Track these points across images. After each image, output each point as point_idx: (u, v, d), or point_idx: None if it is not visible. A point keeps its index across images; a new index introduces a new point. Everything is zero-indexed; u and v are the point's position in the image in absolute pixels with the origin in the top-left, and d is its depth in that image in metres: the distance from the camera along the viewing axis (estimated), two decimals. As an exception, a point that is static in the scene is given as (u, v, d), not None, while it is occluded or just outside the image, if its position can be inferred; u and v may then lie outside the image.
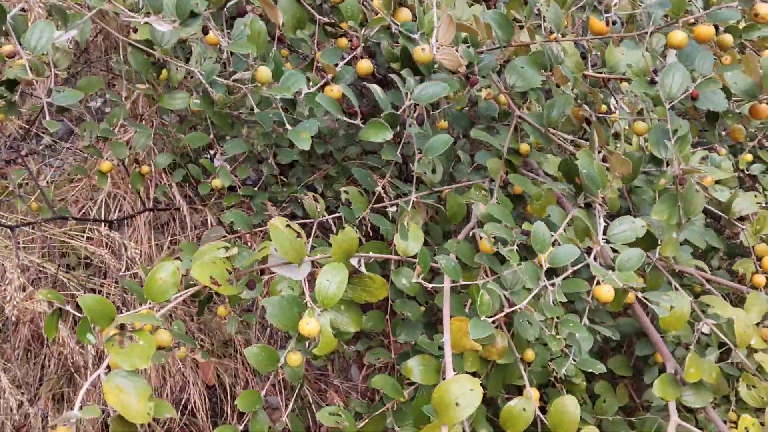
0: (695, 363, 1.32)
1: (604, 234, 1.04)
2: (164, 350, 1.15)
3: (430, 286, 1.00)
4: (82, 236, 1.91)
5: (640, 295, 0.93)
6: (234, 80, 1.04)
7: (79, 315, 0.93)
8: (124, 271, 1.63)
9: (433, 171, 1.44)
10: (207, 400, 2.20)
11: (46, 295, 0.95)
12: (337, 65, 1.05)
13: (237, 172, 1.60)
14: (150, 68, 1.11)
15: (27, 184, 2.23)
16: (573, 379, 1.47)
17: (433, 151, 1.04)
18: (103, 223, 1.69)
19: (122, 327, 0.81)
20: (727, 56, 1.43)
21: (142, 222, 2.06)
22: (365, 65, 1.05)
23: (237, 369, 2.18)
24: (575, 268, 0.97)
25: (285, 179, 2.19)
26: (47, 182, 2.23)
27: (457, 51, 0.95)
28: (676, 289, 1.39)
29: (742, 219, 1.43)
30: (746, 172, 1.90)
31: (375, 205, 1.50)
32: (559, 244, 0.95)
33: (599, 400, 1.68)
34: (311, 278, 1.19)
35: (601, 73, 1.36)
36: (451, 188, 1.45)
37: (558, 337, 1.01)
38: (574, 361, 1.26)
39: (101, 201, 2.12)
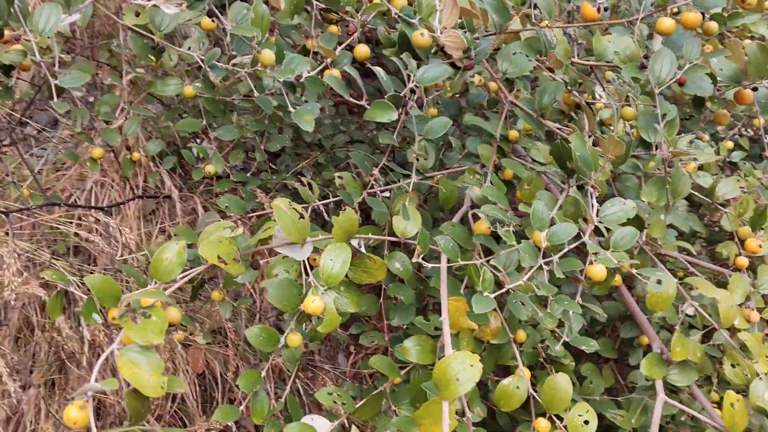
0: (681, 342, 1.36)
1: (596, 216, 1.07)
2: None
3: (429, 266, 1.02)
4: (71, 223, 1.91)
5: (634, 271, 0.96)
6: (233, 65, 1.05)
7: (76, 299, 0.94)
8: (120, 257, 1.63)
9: (426, 157, 1.47)
10: (197, 387, 2.21)
11: (52, 275, 0.96)
12: (335, 50, 1.06)
13: (229, 158, 1.61)
14: (149, 52, 1.12)
15: (13, 173, 2.22)
16: (562, 360, 1.51)
17: (433, 133, 1.07)
18: (96, 210, 1.69)
19: (129, 306, 0.83)
20: (708, 45, 1.48)
21: (131, 211, 2.06)
22: (363, 50, 1.07)
23: (227, 356, 2.19)
24: (572, 246, 1.00)
25: (274, 167, 2.20)
26: (37, 171, 2.22)
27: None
28: (663, 271, 1.43)
29: (724, 204, 1.48)
30: (727, 160, 1.95)
31: (368, 191, 1.52)
32: (556, 223, 0.98)
33: (586, 381, 1.72)
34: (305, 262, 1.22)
35: (588, 61, 1.40)
36: (442, 173, 1.48)
37: (553, 314, 1.04)
38: (567, 339, 1.29)
39: (89, 189, 2.12)
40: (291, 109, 0.99)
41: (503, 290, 1.03)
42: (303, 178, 1.50)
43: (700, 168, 1.69)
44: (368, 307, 1.53)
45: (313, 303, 0.94)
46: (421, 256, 1.02)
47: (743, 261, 1.43)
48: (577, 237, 1.14)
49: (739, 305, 1.44)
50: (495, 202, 1.10)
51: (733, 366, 1.33)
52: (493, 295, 0.94)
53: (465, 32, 1.02)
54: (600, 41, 1.30)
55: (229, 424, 1.36)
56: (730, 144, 1.93)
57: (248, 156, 2.27)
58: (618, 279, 1.56)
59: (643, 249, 1.46)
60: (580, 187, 1.11)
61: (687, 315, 1.52)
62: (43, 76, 2.06)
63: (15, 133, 2.04)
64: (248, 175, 1.70)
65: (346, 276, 1.13)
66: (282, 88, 0.99)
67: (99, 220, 1.72)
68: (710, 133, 2.05)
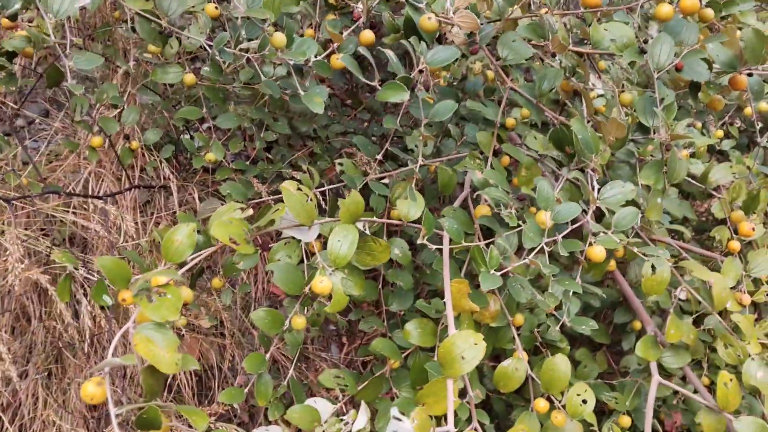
0: (675, 324, 1.39)
1: (598, 197, 1.10)
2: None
3: (434, 247, 1.04)
4: (68, 212, 1.91)
5: (636, 250, 0.98)
6: (240, 49, 1.06)
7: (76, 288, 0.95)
8: (122, 243, 1.64)
9: (425, 144, 1.49)
10: (193, 377, 2.22)
11: (61, 258, 0.97)
12: (343, 35, 1.08)
13: (230, 147, 1.62)
14: (157, 37, 1.13)
15: (6, 164, 2.21)
16: (558, 344, 1.54)
17: (440, 116, 1.08)
18: (96, 198, 1.69)
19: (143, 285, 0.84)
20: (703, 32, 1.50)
21: (127, 201, 2.06)
22: (368, 35, 1.09)
23: (223, 346, 2.20)
24: (571, 228, 1.02)
25: (269, 157, 2.21)
26: (29, 161, 2.21)
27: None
28: (657, 255, 1.46)
29: (716, 189, 1.51)
30: (717, 148, 1.99)
31: (367, 178, 1.54)
32: (560, 203, 1.00)
33: (580, 365, 1.75)
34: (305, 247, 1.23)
35: (583, 49, 1.42)
36: (441, 161, 1.50)
37: (553, 296, 1.06)
38: (566, 321, 1.32)
39: (84, 179, 2.12)
40: (301, 92, 1.00)
41: (504, 270, 1.05)
42: (304, 166, 1.52)
43: (692, 155, 1.73)
44: (368, 293, 1.55)
45: (321, 283, 0.96)
46: (426, 238, 1.04)
47: (735, 245, 1.46)
48: (576, 220, 1.16)
49: (732, 288, 1.47)
50: (497, 185, 1.12)
51: (726, 347, 1.36)
52: (500, 273, 0.96)
53: (471, 17, 1.04)
54: (597, 30, 1.32)
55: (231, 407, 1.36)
56: (720, 133, 1.97)
57: (244, 146, 2.28)
58: (612, 264, 1.59)
59: (638, 233, 1.49)
60: (580, 171, 1.13)
61: (680, 300, 1.55)
62: (42, 63, 2.05)
63: (9, 124, 2.03)
64: (247, 163, 1.71)
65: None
66: (291, 71, 1.00)
67: (96, 208, 1.72)
68: (701, 121, 2.09)
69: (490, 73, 1.58)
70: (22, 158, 2.26)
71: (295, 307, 1.17)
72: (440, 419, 1.13)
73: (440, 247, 1.06)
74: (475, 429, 1.11)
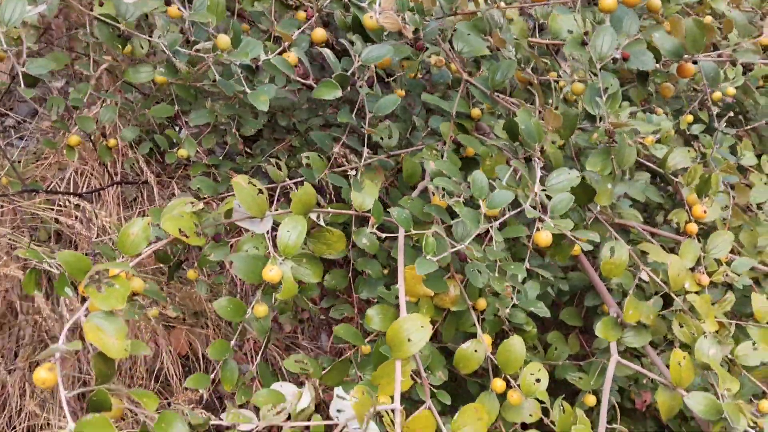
0: (633, 305, 1.43)
1: (543, 184, 1.14)
2: (137, 305, 1.23)
3: (383, 235, 1.08)
4: (52, 210, 1.96)
5: (568, 233, 1.02)
6: (196, 50, 1.10)
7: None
8: (96, 238, 1.69)
9: (390, 136, 1.53)
10: (180, 367, 2.27)
11: (25, 253, 1.02)
12: (292, 34, 1.12)
13: (203, 143, 1.66)
14: (115, 41, 1.17)
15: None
16: (524, 327, 1.58)
17: (383, 110, 1.12)
18: (73, 196, 1.74)
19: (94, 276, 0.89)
20: (666, 23, 1.54)
21: (110, 197, 2.11)
22: (320, 33, 1.13)
23: (208, 336, 2.26)
24: (513, 212, 1.06)
25: (249, 151, 2.25)
26: (16, 161, 2.27)
27: (404, 17, 1.03)
28: (616, 239, 1.50)
29: (675, 173, 1.54)
30: (688, 132, 2.02)
31: (335, 170, 1.58)
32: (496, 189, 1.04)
33: (551, 348, 1.79)
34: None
35: (545, 39, 1.46)
36: (407, 152, 1.54)
37: (506, 285, 1.11)
38: (517, 304, 1.36)
39: (69, 177, 2.17)
40: (248, 90, 1.05)
41: (452, 250, 1.08)
42: (273, 159, 1.56)
43: (659, 141, 1.76)
44: (337, 282, 1.59)
45: (270, 272, 1.00)
46: (376, 226, 1.08)
47: (693, 227, 1.50)
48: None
49: (692, 269, 1.51)
50: (448, 176, 1.16)
51: (681, 326, 1.40)
52: (436, 259, 1.00)
53: (414, 14, 1.07)
54: (555, 21, 1.36)
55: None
56: (690, 117, 2.00)
57: (225, 142, 2.33)
58: (577, 248, 1.63)
59: (598, 218, 1.53)
60: (529, 159, 1.17)
61: (643, 281, 1.59)
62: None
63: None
64: (221, 158, 1.75)
65: (308, 248, 1.19)
66: (241, 72, 1.05)
67: (79, 206, 1.77)
68: (675, 108, 2.13)
69: (453, 66, 1.62)
70: (8, 154, 2.31)
71: (257, 296, 1.22)
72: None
73: (390, 235, 1.11)
74: (430, 408, 1.16)
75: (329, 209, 1.15)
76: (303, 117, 2.27)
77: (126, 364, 2.17)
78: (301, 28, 1.14)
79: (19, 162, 2.36)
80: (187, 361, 2.39)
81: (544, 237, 1.12)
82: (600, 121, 1.16)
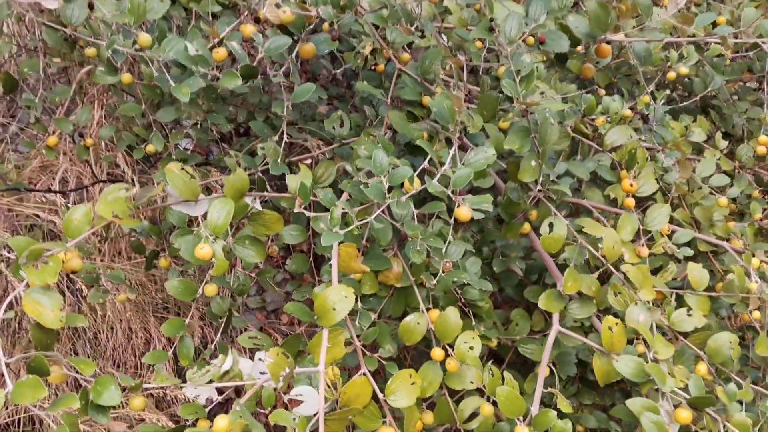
0: (572, 277, 1.50)
1: (462, 162, 1.22)
2: (96, 286, 1.34)
3: (311, 214, 1.17)
4: (41, 208, 2.08)
5: (467, 206, 1.10)
6: (136, 49, 1.20)
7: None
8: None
9: (341, 125, 1.62)
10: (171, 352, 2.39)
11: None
12: (223, 33, 1.22)
13: (170, 138, 1.76)
14: (63, 44, 1.28)
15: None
16: (478, 302, 1.66)
17: (298, 98, 1.21)
18: (56, 193, 1.86)
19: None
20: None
21: (97, 193, 2.23)
22: (248, 29, 1.22)
23: (195, 325, 2.37)
24: (421, 187, 1.14)
25: (228, 146, 2.36)
26: (11, 163, 2.39)
27: (316, 12, 1.12)
28: (556, 216, 1.56)
29: (613, 150, 1.61)
30: (645, 113, 2.08)
31: (294, 158, 1.68)
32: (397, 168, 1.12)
33: (512, 324, 1.86)
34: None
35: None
36: (354, 140, 1.62)
37: (418, 249, 1.19)
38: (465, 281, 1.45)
39: (59, 176, 2.29)
40: (172, 83, 1.14)
41: (358, 222, 1.16)
42: (233, 152, 1.66)
43: (609, 122, 1.82)
44: (298, 266, 1.69)
45: (201, 250, 1.10)
46: (303, 206, 1.17)
47: (630, 202, 1.56)
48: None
49: (632, 241, 1.58)
50: (369, 156, 1.24)
51: (615, 295, 1.47)
52: (342, 232, 1.09)
53: (328, 7, 1.16)
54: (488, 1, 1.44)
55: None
56: (646, 98, 2.05)
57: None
58: (527, 226, 1.71)
59: (543, 198, 1.60)
60: (448, 140, 1.25)
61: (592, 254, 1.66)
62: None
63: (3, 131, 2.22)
64: (188, 153, 1.85)
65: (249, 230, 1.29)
66: (163, 68, 1.14)
67: (60, 202, 1.89)
68: (632, 92, 2.18)
69: (405, 56, 1.70)
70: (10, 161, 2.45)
71: (206, 277, 1.32)
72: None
73: (317, 214, 1.19)
74: (365, 373, 1.25)
75: (265, 194, 1.24)
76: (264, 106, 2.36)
77: (119, 352, 2.29)
78: (231, 26, 1.23)
79: (19, 166, 2.50)
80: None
81: (464, 212, 1.20)
82: (515, 101, 1.23)
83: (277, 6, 1.11)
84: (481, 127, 1.28)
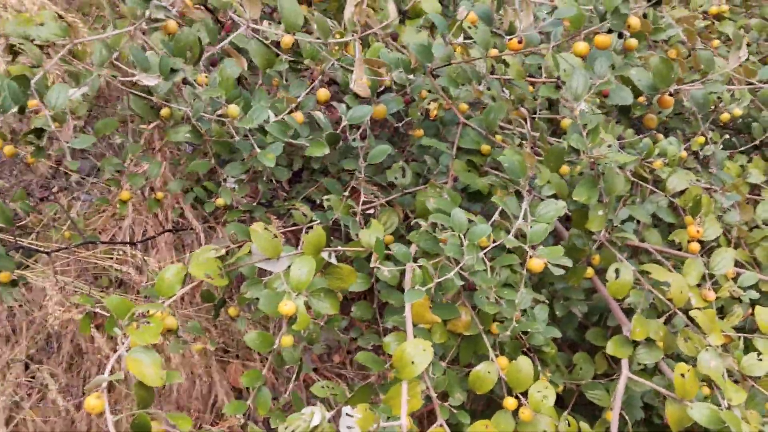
0: (640, 323, 1.51)
1: (533, 215, 1.25)
2: (175, 337, 1.39)
3: (386, 269, 1.21)
4: (110, 257, 2.16)
5: (546, 260, 1.13)
6: (218, 116, 1.27)
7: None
8: (147, 283, 1.87)
9: (403, 174, 1.67)
10: (234, 398, 2.44)
11: (79, 299, 1.19)
12: (299, 96, 1.28)
13: (237, 191, 1.83)
14: (149, 111, 1.35)
15: (60, 217, 2.51)
16: (543, 348, 1.67)
17: (374, 159, 1.26)
18: (128, 245, 1.94)
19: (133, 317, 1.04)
20: (671, 50, 1.63)
21: (163, 243, 2.31)
22: (323, 93, 1.28)
23: (258, 369, 2.41)
24: (496, 243, 1.18)
25: (286, 194, 2.43)
26: (77, 214, 2.49)
27: (390, 77, 1.18)
28: (622, 261, 1.58)
29: (675, 196, 1.62)
30: (701, 153, 2.08)
31: (356, 209, 1.73)
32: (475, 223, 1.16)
33: (576, 368, 1.86)
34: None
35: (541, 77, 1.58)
36: (421, 188, 1.67)
37: (491, 300, 1.22)
38: (528, 324, 1.46)
39: (127, 227, 2.38)
40: (258, 150, 1.21)
41: (439, 280, 1.20)
42: (299, 205, 1.72)
43: (667, 164, 1.84)
44: (362, 313, 1.72)
45: (285, 306, 1.14)
46: (379, 261, 1.21)
47: (695, 246, 1.57)
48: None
49: (698, 286, 1.58)
50: (447, 212, 1.28)
51: (686, 340, 1.47)
52: (425, 288, 1.12)
53: (400, 72, 1.22)
54: (553, 59, 1.48)
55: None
56: (701, 139, 2.06)
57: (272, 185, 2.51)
58: (590, 271, 1.72)
59: (606, 243, 1.62)
60: (518, 193, 1.29)
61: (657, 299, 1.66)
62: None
63: (57, 183, 2.32)
64: (254, 204, 1.92)
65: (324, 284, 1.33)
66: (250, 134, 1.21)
67: (135, 255, 1.96)
68: (683, 130, 2.19)
69: (463, 106, 1.75)
70: (75, 210, 2.56)
71: (283, 330, 1.36)
72: (420, 420, 1.29)
73: (393, 269, 1.23)
74: (442, 425, 1.27)
75: (339, 247, 1.29)
76: (334, 160, 2.43)
77: (183, 397, 2.34)
78: (307, 90, 1.29)
79: (84, 214, 2.60)
80: (240, 393, 2.56)
81: (536, 264, 1.23)
82: (582, 154, 1.27)
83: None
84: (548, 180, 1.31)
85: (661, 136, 1.83)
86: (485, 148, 1.65)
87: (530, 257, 1.24)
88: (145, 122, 1.49)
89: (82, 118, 1.32)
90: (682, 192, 1.61)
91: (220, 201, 1.81)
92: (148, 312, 1.04)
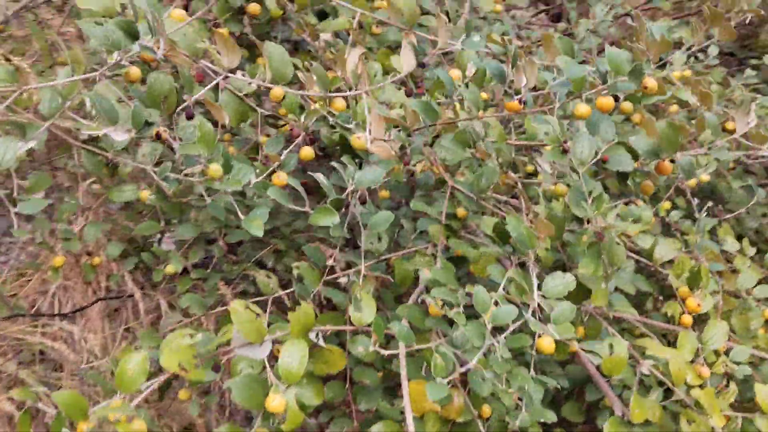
0: (639, 403, 1.41)
1: (539, 289, 1.14)
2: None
3: (387, 353, 1.07)
4: (35, 331, 1.91)
5: (576, 345, 1.02)
6: (185, 175, 1.11)
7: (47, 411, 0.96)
8: (85, 364, 1.64)
9: (379, 239, 1.53)
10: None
11: (19, 394, 0.98)
12: (281, 154, 1.14)
13: (188, 255, 1.65)
14: (102, 167, 1.18)
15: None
16: (529, 430, 1.54)
17: (378, 227, 1.13)
18: (57, 317, 1.71)
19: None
20: (636, 114, 1.59)
21: (95, 312, 2.07)
22: (307, 151, 1.15)
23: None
24: (517, 324, 1.05)
25: (235, 256, 2.24)
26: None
27: (389, 137, 1.06)
28: (614, 335, 1.49)
29: (663, 265, 1.56)
30: (666, 219, 2.05)
31: (326, 277, 1.57)
32: (499, 304, 1.04)
33: (559, 448, 1.75)
34: (270, 354, 1.25)
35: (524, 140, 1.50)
36: (398, 255, 1.54)
37: (510, 391, 1.09)
38: (527, 413, 1.33)
39: (52, 294, 2.13)
40: (241, 216, 1.05)
41: (464, 368, 1.08)
42: (262, 271, 1.55)
43: (643, 231, 1.79)
44: (334, 394, 1.55)
45: (274, 402, 0.98)
46: (378, 343, 1.06)
47: (687, 319, 1.50)
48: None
49: (691, 361, 1.50)
50: (444, 284, 1.16)
51: (689, 423, 1.38)
52: (449, 378, 0.98)
53: (399, 131, 1.10)
54: (530, 124, 1.41)
55: None
56: (667, 204, 2.04)
57: (210, 249, 2.31)
58: (574, 346, 1.62)
59: (593, 315, 1.52)
60: (522, 264, 1.17)
61: (644, 375, 1.57)
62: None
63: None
64: (208, 270, 1.74)
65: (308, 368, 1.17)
66: (231, 194, 1.05)
67: (64, 328, 1.73)
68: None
69: (436, 169, 1.65)
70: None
71: (256, 423, 1.18)
72: None
73: (393, 352, 1.09)
74: None
75: (328, 327, 1.13)
76: (287, 220, 2.27)
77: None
78: (289, 148, 1.15)
79: (3, 282, 2.31)
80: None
81: (547, 344, 1.12)
82: (587, 222, 1.17)
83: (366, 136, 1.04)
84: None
85: (640, 202, 1.78)
86: (461, 212, 1.54)
87: (539, 336, 1.12)
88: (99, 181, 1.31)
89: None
90: (670, 261, 1.55)
91: (170, 268, 1.62)
92: (110, 416, 0.85)
